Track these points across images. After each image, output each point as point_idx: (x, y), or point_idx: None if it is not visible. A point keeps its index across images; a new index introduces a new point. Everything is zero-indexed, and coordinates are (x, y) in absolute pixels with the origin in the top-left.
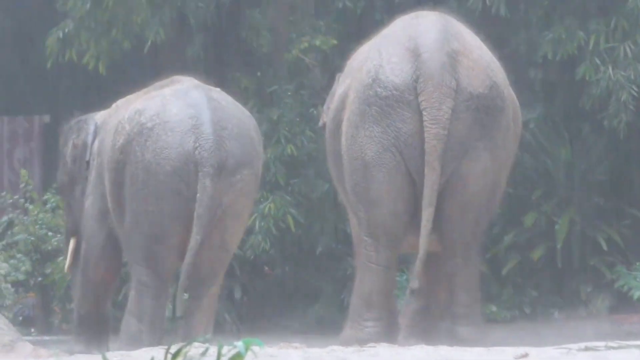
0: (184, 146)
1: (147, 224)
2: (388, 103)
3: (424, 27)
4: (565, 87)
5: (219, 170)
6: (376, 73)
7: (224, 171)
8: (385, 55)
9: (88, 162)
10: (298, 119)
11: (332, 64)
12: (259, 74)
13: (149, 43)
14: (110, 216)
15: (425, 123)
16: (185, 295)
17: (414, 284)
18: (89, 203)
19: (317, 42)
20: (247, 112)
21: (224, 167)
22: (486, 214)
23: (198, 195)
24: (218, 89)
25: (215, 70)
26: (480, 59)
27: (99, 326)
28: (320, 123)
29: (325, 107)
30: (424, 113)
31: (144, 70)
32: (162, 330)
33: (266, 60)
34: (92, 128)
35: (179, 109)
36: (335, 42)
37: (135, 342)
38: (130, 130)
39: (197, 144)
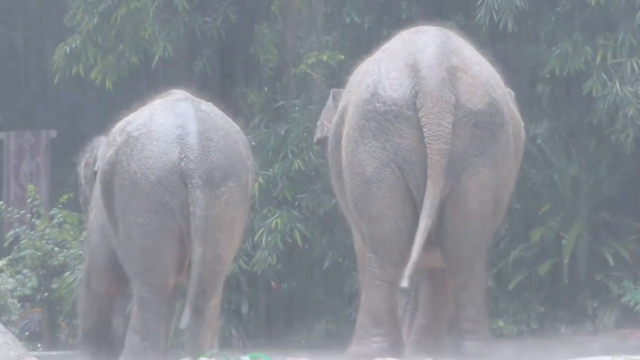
0: (168, 156)
1: (139, 238)
2: (387, 118)
3: (423, 43)
4: (572, 102)
5: (206, 181)
6: (375, 88)
7: (210, 183)
8: (384, 70)
9: (96, 174)
10: (305, 134)
11: (340, 79)
12: (266, 89)
13: (157, 58)
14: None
15: (426, 139)
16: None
17: (404, 282)
18: (92, 216)
19: (325, 58)
20: (237, 126)
21: (210, 178)
22: (489, 229)
23: (191, 208)
24: (209, 103)
25: (222, 85)
26: (479, 75)
27: (105, 341)
28: (315, 139)
29: (319, 122)
30: (425, 129)
31: (151, 86)
32: (165, 345)
33: (274, 76)
34: (101, 144)
35: (165, 119)
36: (342, 57)
37: (140, 358)
38: (118, 141)
39: (183, 155)
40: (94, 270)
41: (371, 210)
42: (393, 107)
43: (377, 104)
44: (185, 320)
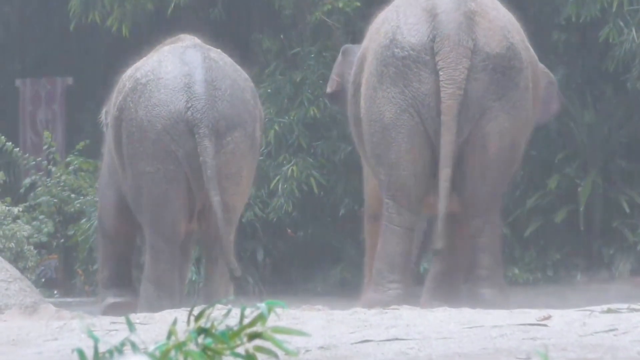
0: (175, 104)
1: (147, 187)
2: (405, 63)
3: None
4: (588, 49)
5: (213, 131)
6: (394, 34)
7: (215, 132)
8: (402, 16)
9: None
10: (321, 82)
11: (355, 26)
12: (281, 36)
13: (172, 5)
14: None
15: (441, 83)
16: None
17: (438, 244)
18: (103, 162)
19: (340, 4)
20: (245, 75)
21: (216, 128)
22: (506, 174)
23: (201, 158)
24: (218, 50)
25: (238, 32)
26: (497, 20)
27: (125, 289)
28: (328, 90)
29: (331, 75)
30: (441, 73)
31: (167, 33)
32: (181, 293)
33: (289, 22)
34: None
35: (173, 66)
36: (358, 4)
37: (154, 308)
38: (127, 87)
39: (190, 104)
40: (105, 213)
41: (390, 156)
42: (411, 52)
43: (396, 50)
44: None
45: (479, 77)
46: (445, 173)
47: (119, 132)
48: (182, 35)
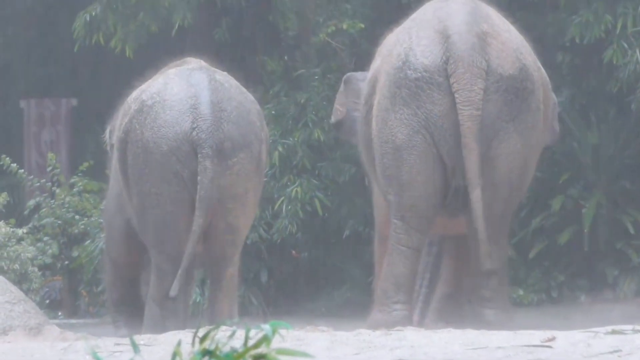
0: (181, 125)
1: (152, 208)
2: (418, 85)
3: (453, 10)
4: (592, 70)
5: (217, 152)
6: (406, 56)
7: (221, 153)
8: (415, 38)
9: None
10: (325, 103)
11: (360, 48)
12: (286, 57)
13: (177, 26)
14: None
15: (458, 105)
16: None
17: (487, 264)
18: (110, 185)
19: (345, 26)
20: (251, 97)
21: (221, 149)
22: (515, 196)
23: (199, 177)
24: (224, 72)
25: (242, 53)
26: (509, 41)
27: (135, 310)
28: (332, 120)
29: (335, 105)
30: (456, 95)
31: (171, 54)
32: (185, 314)
33: (293, 44)
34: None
35: (179, 88)
36: (362, 25)
37: (159, 328)
38: (132, 109)
39: (195, 125)
40: (111, 240)
41: (401, 177)
42: (424, 73)
43: (409, 71)
44: (174, 287)
45: (492, 99)
46: (476, 195)
47: (124, 154)
48: (188, 58)
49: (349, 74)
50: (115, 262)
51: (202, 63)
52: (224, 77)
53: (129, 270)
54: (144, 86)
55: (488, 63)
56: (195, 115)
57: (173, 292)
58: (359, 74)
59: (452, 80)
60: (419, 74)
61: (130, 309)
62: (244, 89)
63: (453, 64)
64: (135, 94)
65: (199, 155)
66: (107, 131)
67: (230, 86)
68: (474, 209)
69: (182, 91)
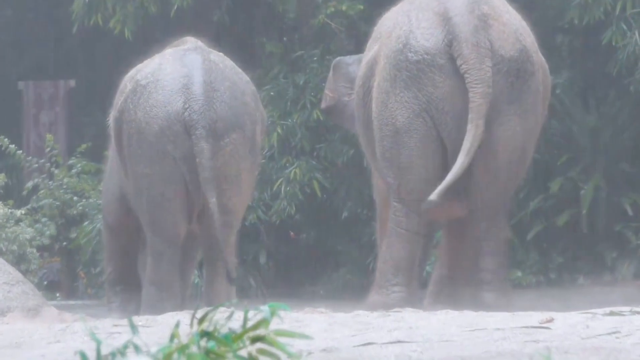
0: (172, 105)
1: (146, 189)
2: (419, 67)
3: None
4: (591, 52)
5: (210, 132)
6: (407, 38)
7: (213, 134)
8: (414, 20)
9: None
10: (324, 85)
11: (359, 29)
12: (285, 39)
13: (175, 7)
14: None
15: (469, 85)
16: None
17: (433, 196)
18: (109, 160)
19: (344, 7)
20: (246, 78)
21: (213, 129)
22: (515, 178)
23: (197, 159)
24: (220, 53)
25: (241, 35)
26: (509, 23)
27: (132, 292)
28: (322, 106)
29: (325, 91)
30: (466, 75)
31: (169, 35)
32: (184, 296)
33: (292, 26)
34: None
35: (172, 68)
36: (361, 7)
37: (157, 310)
38: (128, 89)
39: (187, 105)
40: (108, 207)
41: (401, 160)
42: (426, 56)
43: (409, 54)
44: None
45: (494, 80)
46: (463, 159)
47: (120, 134)
48: (186, 38)
49: (338, 58)
50: (113, 231)
51: (199, 43)
52: (219, 58)
53: (126, 240)
54: (140, 66)
55: (491, 44)
56: (187, 96)
57: (232, 275)
58: (347, 58)
59: (459, 62)
60: (420, 57)
61: (126, 291)
62: (239, 70)
63: (457, 45)
64: (131, 73)
65: (193, 137)
66: (111, 114)
67: (225, 67)
68: (454, 167)
69: (175, 71)
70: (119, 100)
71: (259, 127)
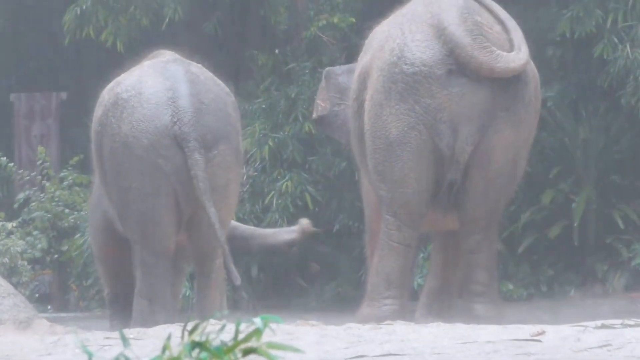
0: (160, 119)
1: (135, 203)
2: (416, 79)
3: (445, 4)
4: (583, 65)
5: (201, 144)
6: (401, 51)
7: (203, 146)
8: (408, 33)
9: None
10: (315, 97)
11: (350, 42)
12: (276, 51)
13: (167, 20)
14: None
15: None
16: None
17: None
18: (92, 191)
19: (335, 20)
20: (226, 89)
21: (203, 141)
22: (507, 190)
23: (192, 172)
24: (199, 65)
25: (232, 47)
26: (502, 32)
27: (130, 306)
28: (314, 116)
29: (316, 100)
30: (484, 66)
31: (161, 48)
32: (175, 308)
33: (284, 38)
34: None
35: (155, 81)
36: (353, 20)
37: (148, 323)
38: (107, 101)
39: (176, 118)
40: (92, 233)
41: (394, 173)
42: (423, 67)
43: (405, 66)
44: (236, 276)
45: (489, 87)
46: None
47: (100, 147)
48: (162, 51)
49: (328, 68)
50: (98, 257)
51: (176, 55)
52: (198, 69)
53: (115, 264)
54: (119, 78)
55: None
56: (174, 109)
57: (237, 282)
58: (337, 68)
59: (473, 65)
60: (417, 68)
61: (126, 308)
62: (218, 81)
63: (461, 51)
64: (110, 85)
65: (186, 149)
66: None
67: (205, 78)
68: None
69: (158, 84)
70: (97, 113)
71: (240, 138)
